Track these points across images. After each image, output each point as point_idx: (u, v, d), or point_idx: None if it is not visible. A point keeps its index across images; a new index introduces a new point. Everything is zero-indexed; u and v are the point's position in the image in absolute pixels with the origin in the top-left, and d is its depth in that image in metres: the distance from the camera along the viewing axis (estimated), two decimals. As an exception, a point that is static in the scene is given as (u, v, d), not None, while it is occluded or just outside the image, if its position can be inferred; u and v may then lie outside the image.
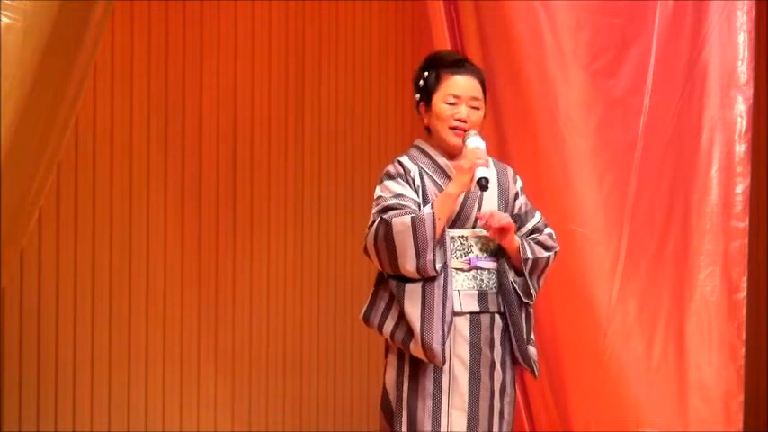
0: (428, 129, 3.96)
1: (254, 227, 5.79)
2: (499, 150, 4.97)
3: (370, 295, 3.92)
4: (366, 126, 6.15)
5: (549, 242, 3.99)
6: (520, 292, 3.90)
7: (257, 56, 5.79)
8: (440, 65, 3.93)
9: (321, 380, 6.01)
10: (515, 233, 3.92)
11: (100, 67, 5.19)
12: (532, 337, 3.98)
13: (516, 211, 3.99)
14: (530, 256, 3.89)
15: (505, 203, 3.97)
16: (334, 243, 6.03)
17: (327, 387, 6.02)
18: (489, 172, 3.80)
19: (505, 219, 3.83)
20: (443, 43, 5.00)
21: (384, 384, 3.92)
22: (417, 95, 3.95)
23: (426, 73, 3.93)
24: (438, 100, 3.90)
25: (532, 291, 3.92)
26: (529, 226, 3.98)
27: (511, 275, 3.89)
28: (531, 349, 3.96)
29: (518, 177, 4.06)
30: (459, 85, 3.89)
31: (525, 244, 3.91)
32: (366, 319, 3.92)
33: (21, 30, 3.36)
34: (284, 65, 5.89)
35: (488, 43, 4.96)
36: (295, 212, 5.93)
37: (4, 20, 3.34)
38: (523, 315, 3.93)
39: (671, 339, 4.95)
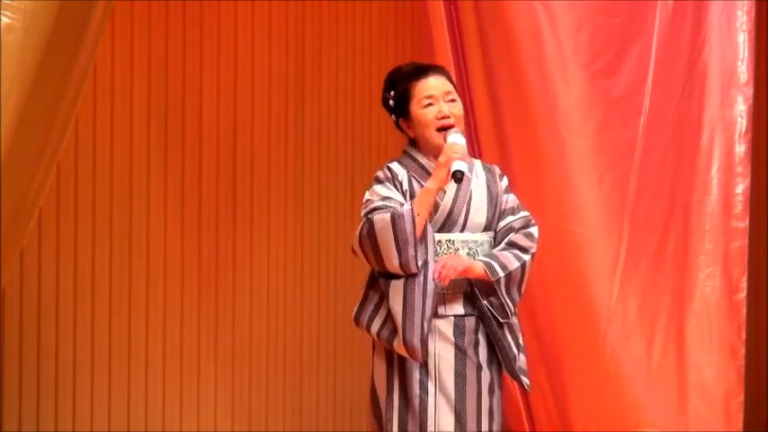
0: (413, 141, 3.99)
1: (254, 227, 5.79)
2: (499, 150, 4.97)
3: (362, 296, 3.96)
4: (366, 125, 6.15)
5: (525, 242, 3.95)
6: (496, 315, 3.89)
7: (257, 56, 5.79)
8: (402, 78, 3.95)
9: (321, 380, 6.01)
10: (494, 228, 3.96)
11: (100, 67, 5.19)
12: (521, 342, 3.97)
13: (501, 208, 4.00)
14: (500, 274, 3.86)
15: (494, 205, 3.97)
16: (335, 243, 6.03)
17: (327, 387, 6.02)
18: (466, 166, 3.79)
19: (459, 266, 3.81)
20: (443, 43, 5.00)
21: (373, 386, 3.98)
22: (393, 115, 3.98)
23: (392, 91, 3.96)
24: (416, 108, 3.92)
25: (508, 309, 3.89)
26: (501, 224, 3.97)
27: (485, 300, 3.88)
28: (522, 358, 3.96)
29: (504, 176, 4.06)
30: (430, 85, 3.92)
31: (493, 263, 3.87)
32: (356, 319, 3.96)
33: (21, 30, 3.36)
34: (284, 65, 5.89)
35: (488, 43, 4.96)
36: (295, 212, 5.93)
37: (4, 20, 3.34)
38: (506, 329, 3.92)
39: (671, 339, 4.95)
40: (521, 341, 3.97)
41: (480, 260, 3.87)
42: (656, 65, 4.99)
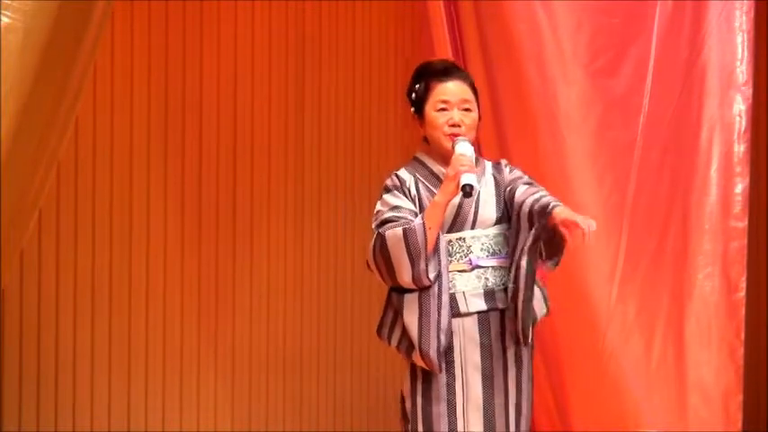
0: (425, 139, 4.01)
1: (254, 227, 5.79)
2: (499, 150, 4.97)
3: (382, 310, 3.98)
4: (366, 126, 6.15)
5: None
6: (542, 250, 3.89)
7: (257, 56, 5.79)
8: (428, 74, 3.98)
9: (321, 380, 6.01)
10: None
11: (100, 67, 5.19)
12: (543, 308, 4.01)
13: (508, 185, 3.99)
14: (559, 209, 3.83)
15: (503, 199, 3.99)
16: (334, 243, 6.03)
17: (327, 387, 6.02)
18: (474, 178, 3.80)
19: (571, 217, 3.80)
20: (443, 43, 5.00)
21: (401, 392, 3.97)
22: (412, 108, 4.01)
23: (417, 85, 3.98)
24: (430, 109, 3.95)
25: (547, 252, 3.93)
26: (521, 189, 3.91)
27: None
28: (537, 292, 3.95)
29: (508, 165, 4.06)
30: (448, 90, 3.94)
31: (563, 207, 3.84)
32: (379, 333, 3.98)
33: (21, 30, 3.37)
34: (284, 65, 5.89)
35: (488, 43, 4.96)
36: (295, 212, 5.93)
37: (4, 20, 3.34)
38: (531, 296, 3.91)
39: (670, 339, 4.94)
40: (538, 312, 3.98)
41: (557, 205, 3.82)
42: (656, 65, 5.00)
